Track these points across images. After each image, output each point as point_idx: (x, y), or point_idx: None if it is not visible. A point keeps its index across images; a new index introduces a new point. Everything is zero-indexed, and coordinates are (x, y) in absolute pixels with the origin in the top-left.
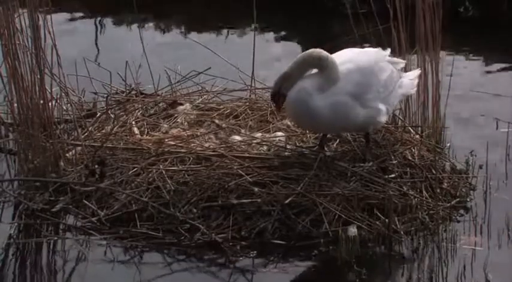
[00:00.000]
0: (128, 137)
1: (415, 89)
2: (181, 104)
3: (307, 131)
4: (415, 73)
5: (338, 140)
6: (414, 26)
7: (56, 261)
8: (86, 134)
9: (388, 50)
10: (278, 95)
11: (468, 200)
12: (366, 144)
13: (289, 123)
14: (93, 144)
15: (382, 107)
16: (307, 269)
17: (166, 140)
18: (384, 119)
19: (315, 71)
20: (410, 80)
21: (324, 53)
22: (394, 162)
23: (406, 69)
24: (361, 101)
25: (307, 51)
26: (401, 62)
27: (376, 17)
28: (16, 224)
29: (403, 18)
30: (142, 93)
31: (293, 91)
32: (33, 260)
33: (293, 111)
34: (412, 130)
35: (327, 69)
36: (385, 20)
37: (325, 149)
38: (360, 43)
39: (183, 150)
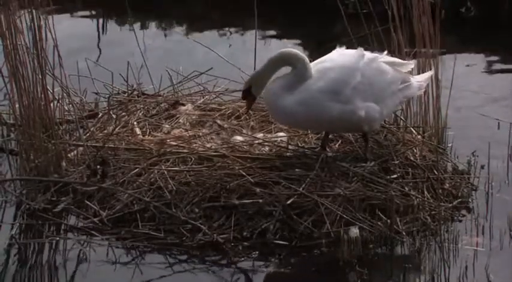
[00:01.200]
0: (130, 138)
1: (423, 90)
2: (183, 105)
3: (309, 131)
4: (425, 75)
5: (340, 141)
6: (413, 27)
7: (57, 261)
8: (88, 134)
9: (384, 53)
10: (248, 94)
11: (470, 200)
12: (365, 145)
13: None
14: (95, 144)
15: (364, 104)
16: (308, 270)
17: (168, 140)
18: (376, 117)
19: (288, 70)
20: (418, 82)
21: (294, 51)
22: (396, 162)
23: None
24: (338, 97)
25: (279, 51)
26: (405, 64)
27: (375, 17)
28: (18, 224)
29: (401, 19)
30: (144, 94)
31: (265, 95)
32: (35, 260)
33: (269, 113)
34: (413, 131)
35: (297, 68)
36: (386, 21)
37: (327, 149)
38: (360, 44)
39: (185, 151)
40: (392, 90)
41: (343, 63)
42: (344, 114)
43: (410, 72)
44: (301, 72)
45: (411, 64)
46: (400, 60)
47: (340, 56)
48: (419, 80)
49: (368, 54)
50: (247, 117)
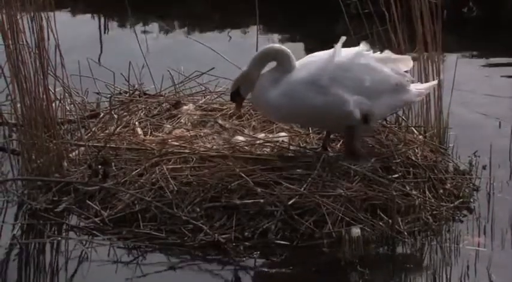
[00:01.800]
0: (131, 138)
1: (420, 98)
2: (185, 105)
3: (310, 130)
4: (427, 84)
5: (342, 141)
6: (413, 28)
7: (59, 261)
8: (89, 134)
9: (377, 53)
10: (237, 94)
11: (471, 200)
12: (349, 141)
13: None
14: (97, 144)
15: (352, 98)
16: (310, 270)
17: (169, 140)
18: (353, 111)
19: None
20: (417, 89)
21: (277, 45)
22: (398, 161)
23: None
24: (319, 88)
25: (263, 48)
26: (403, 59)
27: (375, 18)
28: (19, 224)
29: (399, 20)
30: (145, 94)
31: (254, 90)
32: (36, 260)
33: (258, 109)
34: (415, 130)
35: (281, 61)
36: (388, 21)
37: (329, 149)
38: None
39: (186, 151)
40: (384, 89)
41: (327, 56)
42: (331, 107)
43: (415, 77)
44: (285, 65)
45: (409, 59)
46: (397, 56)
47: (329, 51)
48: (420, 87)
49: (361, 50)
50: (249, 117)
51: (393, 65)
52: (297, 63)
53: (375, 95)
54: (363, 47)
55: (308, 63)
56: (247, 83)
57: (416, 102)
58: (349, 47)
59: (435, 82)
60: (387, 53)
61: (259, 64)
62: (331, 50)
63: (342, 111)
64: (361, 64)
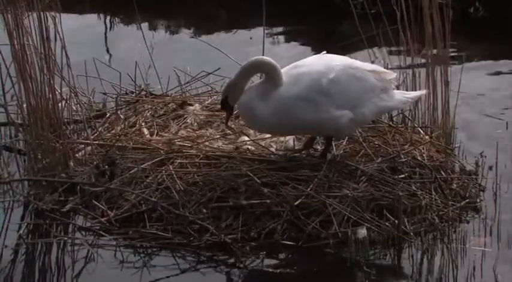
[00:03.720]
0: (138, 138)
1: (407, 105)
2: (191, 105)
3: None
4: (415, 93)
5: (347, 139)
6: (423, 27)
7: (65, 261)
8: (96, 134)
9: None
10: (225, 104)
11: (478, 201)
12: (326, 145)
13: None
14: (103, 143)
15: (339, 113)
16: (316, 270)
17: (176, 140)
18: (344, 124)
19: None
20: (404, 96)
21: (267, 58)
22: (404, 160)
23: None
24: (311, 104)
25: (251, 59)
26: (386, 72)
27: (384, 18)
28: (25, 224)
29: (410, 20)
30: (151, 94)
31: (239, 104)
32: (43, 260)
33: (243, 119)
34: (421, 131)
35: (269, 75)
36: (394, 21)
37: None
38: (369, 44)
39: (192, 151)
40: (369, 97)
41: (317, 68)
42: (319, 122)
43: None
44: (273, 79)
45: (392, 74)
46: (381, 69)
47: (317, 61)
48: (408, 95)
49: (346, 61)
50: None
51: (378, 75)
52: (284, 73)
53: (361, 104)
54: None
55: (297, 76)
56: (235, 93)
57: (402, 108)
58: (355, 47)
59: (423, 92)
60: (373, 65)
61: (246, 75)
62: (319, 60)
63: (332, 127)
64: (349, 75)
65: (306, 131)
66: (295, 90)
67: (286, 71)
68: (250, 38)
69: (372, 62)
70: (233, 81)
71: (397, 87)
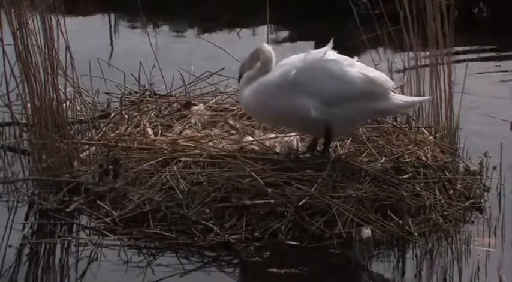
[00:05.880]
0: (142, 138)
1: (405, 109)
2: (195, 105)
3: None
4: (416, 98)
5: (350, 139)
6: (426, 28)
7: (69, 261)
8: (100, 134)
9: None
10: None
11: (482, 201)
12: (325, 144)
13: None
14: (107, 143)
15: (314, 104)
16: (320, 270)
17: (180, 140)
18: (315, 117)
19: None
20: (402, 100)
21: (267, 46)
22: (408, 160)
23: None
24: (286, 92)
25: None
26: (384, 80)
27: (386, 18)
28: (30, 223)
29: (414, 20)
30: (156, 94)
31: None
32: (47, 260)
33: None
34: (425, 131)
35: (262, 62)
36: (397, 21)
37: (318, 148)
38: (372, 44)
39: (197, 151)
40: (352, 95)
41: (294, 60)
42: (289, 108)
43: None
44: (265, 66)
45: (391, 82)
46: (379, 77)
47: (307, 55)
48: (407, 99)
49: (334, 56)
50: None
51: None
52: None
53: (340, 101)
54: (328, 48)
55: (279, 66)
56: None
57: (400, 112)
58: (359, 47)
59: (427, 98)
60: (374, 70)
61: (251, 61)
62: (307, 55)
63: (303, 116)
64: (329, 69)
65: (281, 119)
66: (270, 78)
67: (278, 63)
68: (255, 33)
69: (376, 65)
70: (243, 63)
71: (401, 88)
